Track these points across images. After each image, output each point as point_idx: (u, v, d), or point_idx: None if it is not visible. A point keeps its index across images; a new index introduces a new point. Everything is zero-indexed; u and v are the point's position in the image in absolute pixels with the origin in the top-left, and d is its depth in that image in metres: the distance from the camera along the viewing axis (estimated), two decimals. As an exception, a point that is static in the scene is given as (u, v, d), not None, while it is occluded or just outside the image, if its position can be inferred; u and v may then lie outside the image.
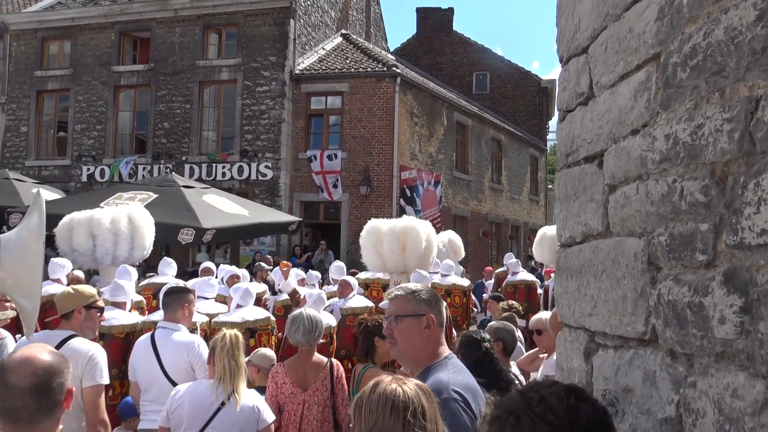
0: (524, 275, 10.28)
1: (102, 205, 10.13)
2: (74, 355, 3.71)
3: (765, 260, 1.17)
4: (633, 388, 1.64)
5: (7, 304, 4.45)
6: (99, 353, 3.81)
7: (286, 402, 4.11)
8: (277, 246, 17.22)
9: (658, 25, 1.57)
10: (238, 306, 5.93)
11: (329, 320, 6.24)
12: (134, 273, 7.03)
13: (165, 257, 8.74)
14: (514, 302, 7.68)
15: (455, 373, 2.23)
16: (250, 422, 3.40)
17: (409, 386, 1.79)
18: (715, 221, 1.33)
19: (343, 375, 4.34)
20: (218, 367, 3.40)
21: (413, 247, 7.43)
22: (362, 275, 9.21)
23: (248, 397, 3.48)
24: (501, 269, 11.12)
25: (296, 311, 4.52)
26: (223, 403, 3.36)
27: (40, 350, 1.96)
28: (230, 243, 16.57)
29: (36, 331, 3.80)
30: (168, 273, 8.21)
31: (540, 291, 11.13)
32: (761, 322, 1.17)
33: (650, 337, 1.58)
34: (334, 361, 4.38)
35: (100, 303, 3.97)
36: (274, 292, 8.43)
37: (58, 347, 3.82)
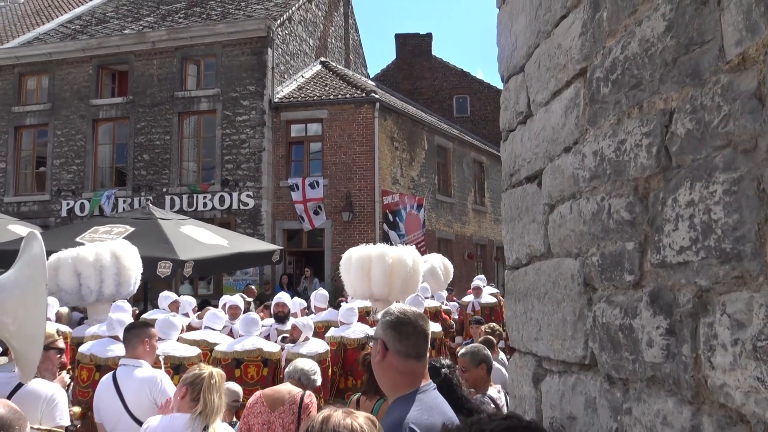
0: (487, 298, 10.55)
1: (78, 239, 9.96)
2: (33, 397, 3.60)
3: (686, 279, 1.12)
4: (576, 416, 1.57)
5: None
6: (59, 394, 3.71)
7: (254, 422, 4.18)
8: (260, 275, 17.06)
9: (582, 40, 1.54)
10: (241, 336, 5.88)
11: (322, 347, 6.16)
12: (128, 307, 6.98)
13: (165, 291, 8.69)
14: (495, 324, 7.63)
15: (420, 411, 2.00)
16: None
17: (360, 420, 1.72)
18: (640, 239, 1.28)
19: (314, 406, 4.30)
20: (206, 401, 3.37)
21: (400, 274, 7.36)
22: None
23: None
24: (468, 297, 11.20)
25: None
26: None
27: None
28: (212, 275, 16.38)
29: None
30: (167, 307, 8.15)
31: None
32: (684, 345, 1.12)
33: (590, 361, 1.52)
34: (309, 392, 4.37)
35: (59, 344, 3.85)
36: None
37: (15, 389, 3.71)
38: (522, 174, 1.98)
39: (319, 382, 4.53)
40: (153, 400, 4.11)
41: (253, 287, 14.25)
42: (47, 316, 6.60)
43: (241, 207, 17.61)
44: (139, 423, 4.00)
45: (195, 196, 17.91)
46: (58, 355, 3.85)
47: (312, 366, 4.47)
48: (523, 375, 1.94)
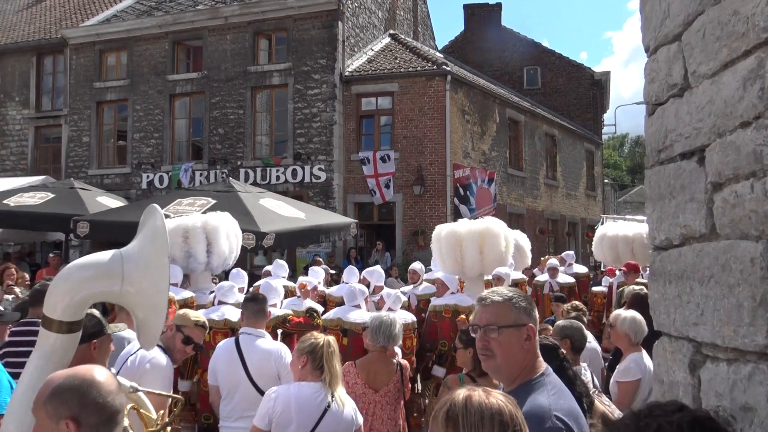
0: (564, 277, 10.44)
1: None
2: (144, 362, 3.75)
3: None
4: (755, 407, 1.49)
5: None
6: (167, 364, 3.82)
7: (357, 401, 4.17)
8: (332, 248, 17.27)
9: (773, 6, 1.42)
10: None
11: (409, 317, 6.15)
12: (245, 276, 7.39)
13: (277, 260, 9.01)
14: (578, 303, 7.48)
15: (556, 396, 2.04)
16: (349, 423, 3.47)
17: (502, 399, 1.69)
18: None
19: (409, 374, 4.39)
20: (330, 368, 3.47)
21: (492, 249, 7.30)
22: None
23: (348, 400, 3.55)
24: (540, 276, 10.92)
25: (378, 314, 4.55)
26: (329, 405, 3.41)
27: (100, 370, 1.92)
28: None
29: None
30: (281, 275, 8.45)
31: (601, 288, 10.99)
32: None
33: (773, 350, 1.43)
34: (403, 361, 4.45)
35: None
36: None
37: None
38: (676, 150, 1.88)
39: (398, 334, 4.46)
40: (277, 371, 4.23)
41: (320, 259, 14.35)
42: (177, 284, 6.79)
43: (313, 180, 17.83)
44: (260, 390, 4.12)
45: (268, 169, 18.23)
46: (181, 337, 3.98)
47: (394, 322, 4.42)
48: (675, 360, 1.86)
